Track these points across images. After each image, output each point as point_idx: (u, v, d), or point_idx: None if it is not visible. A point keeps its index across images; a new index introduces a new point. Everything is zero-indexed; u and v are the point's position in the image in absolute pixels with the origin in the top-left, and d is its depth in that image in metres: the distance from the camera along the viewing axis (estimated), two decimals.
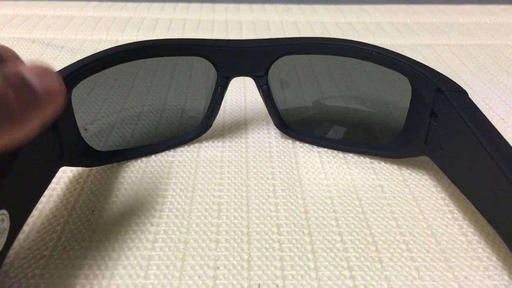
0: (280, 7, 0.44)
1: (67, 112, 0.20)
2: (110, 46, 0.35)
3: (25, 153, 0.16)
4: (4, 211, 0.14)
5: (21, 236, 0.18)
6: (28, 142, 0.16)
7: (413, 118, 0.21)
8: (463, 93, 0.19)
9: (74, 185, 0.21)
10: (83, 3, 0.45)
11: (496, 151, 0.16)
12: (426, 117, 0.20)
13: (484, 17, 0.42)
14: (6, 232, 0.15)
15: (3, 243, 0.14)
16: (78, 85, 0.20)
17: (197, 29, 0.39)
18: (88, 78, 0.21)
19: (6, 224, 0.15)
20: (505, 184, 0.15)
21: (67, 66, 0.20)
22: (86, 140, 0.21)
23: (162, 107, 0.25)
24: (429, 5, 0.45)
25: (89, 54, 0.34)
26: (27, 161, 0.16)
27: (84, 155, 0.21)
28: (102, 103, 0.24)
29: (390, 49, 0.35)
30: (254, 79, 0.23)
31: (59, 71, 0.20)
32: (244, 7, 0.45)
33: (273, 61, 0.22)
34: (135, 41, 0.22)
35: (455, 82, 0.19)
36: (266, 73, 0.23)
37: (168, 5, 0.45)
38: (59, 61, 0.33)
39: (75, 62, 0.20)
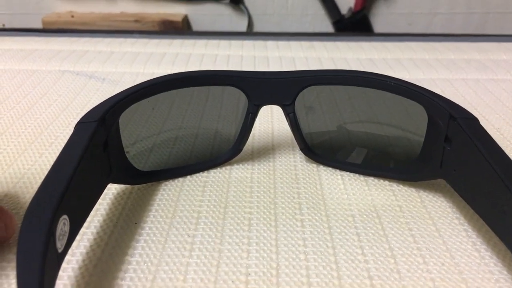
0: (305, 44, 0.47)
1: (116, 135, 0.22)
2: (147, 79, 0.38)
3: (82, 169, 0.18)
4: (65, 216, 0.16)
5: (74, 243, 0.20)
6: (85, 159, 0.18)
7: (429, 144, 0.23)
8: (475, 120, 0.21)
9: (118, 200, 0.23)
10: (121, 39, 0.48)
11: (504, 172, 0.17)
12: (440, 142, 0.22)
13: (501, 54, 0.44)
14: (67, 235, 0.17)
15: (64, 244, 0.17)
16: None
17: (227, 64, 0.42)
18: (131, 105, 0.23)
19: (67, 228, 0.17)
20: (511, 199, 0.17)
21: (116, 94, 0.22)
22: (130, 161, 0.24)
23: (196, 132, 0.28)
24: (447, 42, 0.47)
25: (128, 85, 0.37)
26: (83, 175, 0.18)
27: (128, 174, 0.24)
28: (142, 128, 0.26)
29: None
30: (282, 107, 0.25)
31: (108, 99, 0.22)
32: (270, 43, 0.48)
33: (300, 91, 0.25)
34: (177, 72, 0.25)
35: (467, 110, 0.21)
36: (293, 102, 0.25)
37: (200, 41, 0.48)
38: (101, 92, 0.36)
39: (124, 91, 0.23)
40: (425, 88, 0.23)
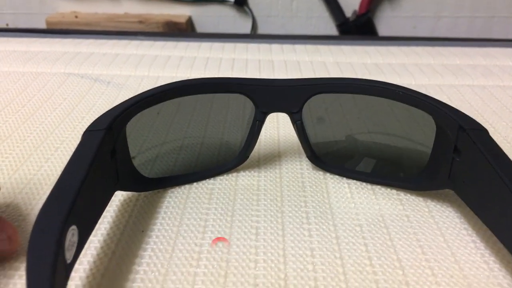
0: (310, 47, 0.47)
1: (123, 142, 0.22)
2: (152, 82, 0.38)
3: (91, 178, 0.18)
4: (74, 227, 0.16)
5: (82, 252, 0.20)
6: (93, 168, 0.18)
7: (437, 154, 0.23)
8: (484, 131, 0.21)
9: (125, 207, 0.23)
10: (126, 42, 0.48)
11: None
12: (449, 153, 0.21)
13: (507, 60, 0.44)
14: (75, 245, 0.17)
15: (73, 255, 0.16)
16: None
17: (232, 68, 0.42)
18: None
19: (75, 238, 0.17)
20: None
21: (123, 102, 0.22)
22: (137, 168, 0.24)
23: (202, 139, 0.28)
24: (453, 47, 0.47)
25: (133, 89, 0.37)
26: (92, 184, 0.18)
27: (135, 181, 0.23)
28: (148, 135, 0.26)
29: (415, 89, 0.37)
30: (289, 115, 0.25)
31: (115, 107, 0.22)
32: (275, 47, 0.48)
33: (307, 99, 0.24)
34: (182, 79, 0.24)
35: (476, 121, 0.21)
36: (301, 109, 0.25)
37: (205, 44, 0.48)
38: (106, 96, 0.36)
39: (131, 98, 0.23)
40: (433, 98, 0.22)
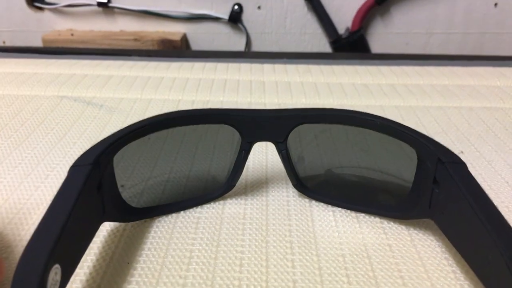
0: (301, 67, 0.47)
1: (110, 175, 0.23)
2: (144, 105, 0.39)
3: (76, 213, 0.18)
4: (57, 265, 0.17)
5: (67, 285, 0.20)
6: (79, 204, 0.19)
7: (418, 184, 0.23)
8: (462, 164, 0.21)
9: (111, 238, 0.23)
10: (120, 62, 0.49)
11: (487, 220, 0.18)
12: (429, 183, 0.22)
13: (495, 80, 0.44)
14: (58, 284, 0.17)
15: None
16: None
17: (224, 89, 0.42)
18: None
19: (58, 277, 0.17)
20: (495, 250, 0.17)
21: (109, 136, 0.23)
22: (124, 198, 0.24)
23: (190, 168, 0.28)
24: (443, 67, 0.47)
25: (125, 112, 0.37)
26: (77, 220, 0.19)
27: (122, 211, 0.24)
28: (135, 165, 0.26)
29: (403, 110, 0.37)
30: (275, 144, 0.25)
31: (101, 141, 0.22)
32: (267, 67, 0.48)
33: (292, 129, 0.25)
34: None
35: (455, 154, 0.22)
36: (286, 139, 0.25)
37: (197, 65, 0.48)
38: (98, 120, 0.36)
39: (118, 132, 0.23)
40: (414, 130, 0.23)
